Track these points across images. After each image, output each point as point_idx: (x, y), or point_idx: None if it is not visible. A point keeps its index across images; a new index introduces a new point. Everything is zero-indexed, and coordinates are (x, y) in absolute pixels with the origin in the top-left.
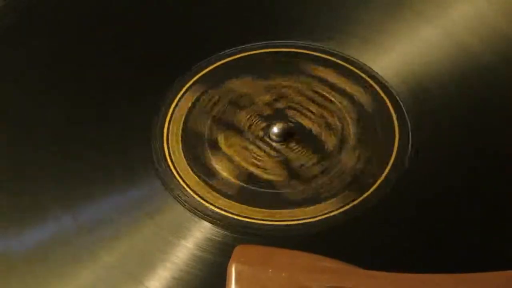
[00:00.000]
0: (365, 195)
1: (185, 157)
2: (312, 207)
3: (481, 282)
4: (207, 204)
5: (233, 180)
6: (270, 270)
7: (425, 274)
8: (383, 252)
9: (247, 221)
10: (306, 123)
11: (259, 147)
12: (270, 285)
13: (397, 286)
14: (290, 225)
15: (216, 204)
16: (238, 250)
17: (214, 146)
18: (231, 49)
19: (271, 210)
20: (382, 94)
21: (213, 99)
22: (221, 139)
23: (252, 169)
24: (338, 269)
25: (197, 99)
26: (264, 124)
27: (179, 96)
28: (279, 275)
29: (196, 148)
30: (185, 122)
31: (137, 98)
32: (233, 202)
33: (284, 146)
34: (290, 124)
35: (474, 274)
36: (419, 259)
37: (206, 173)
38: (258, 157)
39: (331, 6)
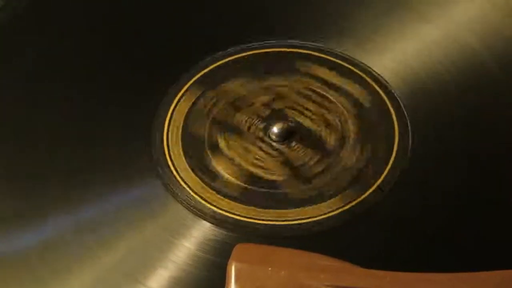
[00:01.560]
0: (366, 194)
1: (185, 157)
2: (314, 206)
3: (478, 281)
4: (207, 204)
5: (234, 180)
6: (270, 269)
7: (424, 273)
8: (383, 252)
9: (248, 221)
10: (306, 122)
11: (259, 148)
12: (269, 283)
13: (396, 284)
14: (290, 225)
15: (217, 205)
16: (237, 248)
17: (214, 146)
18: (229, 50)
19: (272, 210)
20: (382, 94)
21: (211, 101)
22: (221, 140)
23: (252, 169)
24: (337, 267)
25: (196, 100)
26: (263, 125)
27: (178, 96)
28: (279, 274)
29: (196, 149)
30: (185, 122)
31: (137, 98)
32: (233, 203)
33: (284, 146)
34: (290, 123)
35: (471, 273)
36: (419, 259)
37: (206, 173)
38: (259, 158)
39: (330, 5)
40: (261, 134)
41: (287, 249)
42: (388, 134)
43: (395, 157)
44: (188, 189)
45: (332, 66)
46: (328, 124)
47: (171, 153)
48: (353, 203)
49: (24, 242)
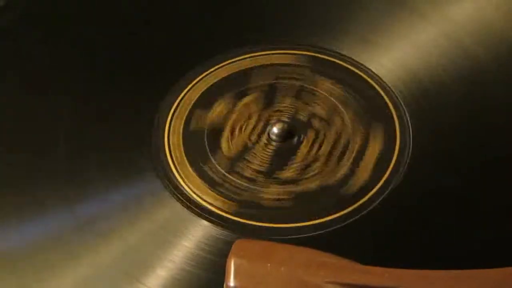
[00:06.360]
0: (369, 194)
1: (185, 155)
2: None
3: (478, 279)
4: (206, 204)
5: (234, 180)
6: (269, 265)
7: (424, 270)
8: (382, 251)
9: (247, 221)
10: (308, 127)
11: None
12: (268, 279)
13: (395, 281)
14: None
15: (216, 203)
16: (237, 244)
17: (216, 145)
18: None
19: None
20: (383, 95)
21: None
22: (225, 134)
23: (247, 172)
24: (337, 264)
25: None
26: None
27: (183, 93)
28: (278, 270)
29: (197, 146)
30: (187, 119)
31: (138, 98)
32: (232, 202)
33: (276, 144)
34: (290, 125)
35: (472, 270)
36: (418, 259)
37: (206, 172)
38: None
39: (331, 6)
40: (263, 127)
41: (287, 245)
42: (388, 136)
43: (396, 158)
44: (187, 187)
45: (332, 67)
46: (327, 128)
47: (172, 151)
48: (355, 204)
49: (23, 239)
